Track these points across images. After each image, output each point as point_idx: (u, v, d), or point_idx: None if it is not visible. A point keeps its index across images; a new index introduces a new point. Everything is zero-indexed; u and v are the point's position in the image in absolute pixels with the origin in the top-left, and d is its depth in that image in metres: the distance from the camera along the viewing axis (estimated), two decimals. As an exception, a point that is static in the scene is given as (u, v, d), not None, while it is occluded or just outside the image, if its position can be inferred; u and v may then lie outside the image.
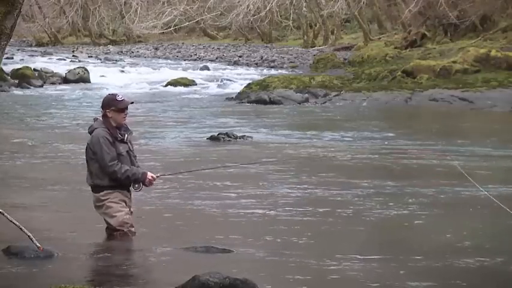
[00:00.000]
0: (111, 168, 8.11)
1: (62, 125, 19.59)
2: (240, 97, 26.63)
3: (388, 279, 7.16)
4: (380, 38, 44.83)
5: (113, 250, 8.09)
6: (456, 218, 9.70)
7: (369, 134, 17.89)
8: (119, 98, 8.28)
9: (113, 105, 8.23)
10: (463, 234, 8.84)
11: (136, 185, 8.25)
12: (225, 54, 48.66)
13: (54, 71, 34.57)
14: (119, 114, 8.23)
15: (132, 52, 53.42)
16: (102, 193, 8.25)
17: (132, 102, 8.40)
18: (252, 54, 47.35)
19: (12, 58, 41.65)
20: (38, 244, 6.90)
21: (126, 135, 8.31)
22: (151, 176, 8.26)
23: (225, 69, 40.47)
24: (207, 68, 39.64)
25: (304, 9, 50.27)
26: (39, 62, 39.75)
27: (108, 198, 8.25)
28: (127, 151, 8.28)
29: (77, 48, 56.56)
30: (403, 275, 7.31)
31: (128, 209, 8.34)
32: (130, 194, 8.47)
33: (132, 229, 8.34)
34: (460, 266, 7.61)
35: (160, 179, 8.82)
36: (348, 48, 44.90)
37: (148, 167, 9.06)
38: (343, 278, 7.23)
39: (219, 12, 51.95)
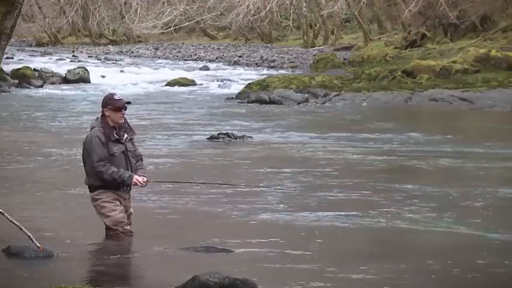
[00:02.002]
0: (97, 169, 8.15)
1: (62, 125, 19.58)
2: (240, 97, 26.62)
3: (389, 282, 7.16)
4: (380, 38, 44.84)
5: (113, 250, 8.09)
6: (473, 220, 9.69)
7: (369, 134, 17.87)
8: (116, 97, 8.32)
9: (110, 104, 8.27)
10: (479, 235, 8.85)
11: (125, 187, 8.26)
12: (225, 54, 48.67)
13: (54, 71, 34.55)
14: (115, 113, 8.26)
15: (132, 52, 53.43)
16: (95, 192, 8.32)
17: (129, 102, 8.40)
18: (252, 54, 47.35)
19: (12, 58, 41.64)
20: (38, 244, 6.89)
21: (125, 136, 8.32)
22: (137, 180, 8.23)
23: (225, 69, 40.47)
24: (207, 68, 39.65)
25: (304, 9, 50.29)
26: (39, 62, 39.74)
27: (101, 198, 8.29)
28: (123, 152, 8.27)
29: (77, 48, 56.57)
30: (406, 278, 7.32)
31: (122, 208, 8.33)
32: (130, 195, 8.47)
33: (128, 227, 8.34)
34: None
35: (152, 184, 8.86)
36: (348, 48, 44.91)
37: (148, 167, 9.05)
38: (343, 278, 7.23)
39: (219, 12, 51.95)
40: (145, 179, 8.29)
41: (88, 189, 8.42)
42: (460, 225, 9.32)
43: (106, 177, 8.15)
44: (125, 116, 8.43)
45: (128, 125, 8.45)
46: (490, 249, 8.27)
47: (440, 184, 11.77)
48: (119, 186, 8.28)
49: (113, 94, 8.49)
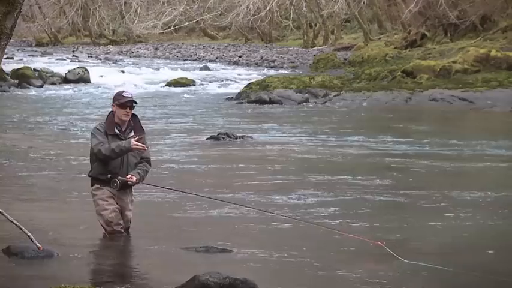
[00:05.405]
0: (96, 149, 8.14)
1: (62, 126, 19.57)
2: (240, 97, 26.63)
3: (391, 282, 7.16)
4: (380, 38, 44.84)
5: (113, 250, 8.09)
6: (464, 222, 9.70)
7: (370, 134, 17.86)
8: (123, 94, 8.38)
9: (116, 99, 8.34)
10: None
11: (115, 184, 8.23)
12: (225, 54, 48.66)
13: (54, 71, 34.52)
14: (120, 110, 8.31)
15: (132, 52, 53.41)
16: (93, 187, 8.37)
17: (135, 102, 8.39)
18: (252, 54, 47.34)
19: (12, 58, 41.63)
20: (38, 244, 6.89)
21: (131, 134, 8.31)
22: (136, 143, 8.12)
23: (225, 69, 40.47)
24: (207, 68, 39.64)
25: (304, 9, 50.29)
26: (39, 62, 39.72)
27: (96, 195, 8.32)
28: None
29: (77, 48, 56.57)
30: (408, 278, 7.32)
31: (116, 207, 8.29)
32: (131, 199, 8.46)
33: (118, 228, 8.31)
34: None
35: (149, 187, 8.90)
36: (348, 48, 44.91)
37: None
38: (343, 279, 7.23)
39: (219, 12, 51.98)
40: (134, 179, 8.26)
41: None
42: (465, 225, 9.33)
43: (104, 153, 8.09)
44: (137, 115, 8.47)
45: (140, 124, 8.46)
46: (496, 248, 8.28)
47: (448, 185, 11.78)
48: (110, 182, 8.25)
49: (123, 91, 8.53)
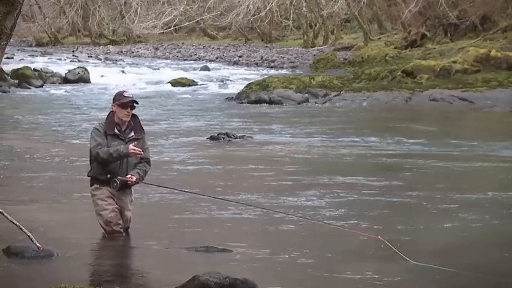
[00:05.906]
0: (94, 151, 8.17)
1: (62, 126, 19.57)
2: (240, 97, 26.62)
3: (391, 281, 7.15)
4: (380, 38, 44.83)
5: (112, 250, 8.09)
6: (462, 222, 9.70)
7: (369, 134, 17.86)
8: (125, 94, 8.38)
9: (117, 99, 8.33)
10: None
11: (115, 184, 8.23)
12: (225, 54, 48.65)
13: (54, 71, 34.51)
14: (121, 110, 8.31)
15: (132, 52, 53.41)
16: (92, 187, 8.37)
17: (136, 102, 8.38)
18: (252, 54, 47.33)
19: (12, 58, 41.61)
20: (38, 244, 6.89)
21: (130, 134, 8.31)
22: (133, 149, 8.15)
23: (225, 69, 40.47)
24: (207, 68, 39.62)
25: (304, 9, 50.29)
26: (39, 62, 39.70)
27: (96, 195, 8.32)
28: None
29: (77, 48, 56.57)
30: (407, 277, 7.32)
31: (116, 207, 8.29)
32: (130, 199, 8.46)
33: (117, 228, 8.31)
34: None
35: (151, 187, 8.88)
36: (348, 48, 44.89)
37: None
38: (343, 279, 7.23)
39: (219, 12, 51.98)
40: (134, 178, 8.26)
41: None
42: (468, 226, 9.33)
43: (102, 156, 8.12)
44: (137, 115, 8.47)
45: (140, 124, 8.46)
46: (500, 249, 8.28)
47: (450, 185, 11.77)
48: (110, 182, 8.25)
49: (124, 91, 8.53)
